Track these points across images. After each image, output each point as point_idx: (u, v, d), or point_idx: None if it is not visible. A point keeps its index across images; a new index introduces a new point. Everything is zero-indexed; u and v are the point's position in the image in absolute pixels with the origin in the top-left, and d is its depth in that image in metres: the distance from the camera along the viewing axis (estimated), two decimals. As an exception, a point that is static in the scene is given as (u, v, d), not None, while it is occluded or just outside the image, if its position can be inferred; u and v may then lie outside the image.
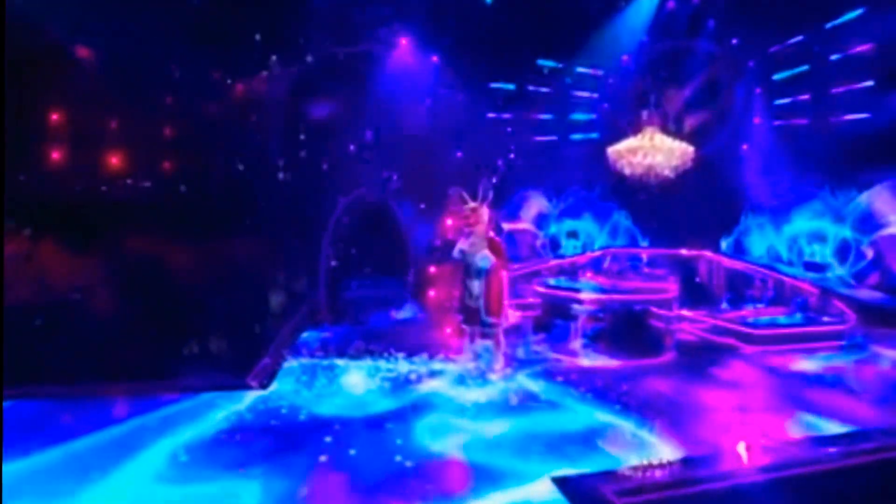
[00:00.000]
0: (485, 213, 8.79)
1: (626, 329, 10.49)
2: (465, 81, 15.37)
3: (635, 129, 13.18)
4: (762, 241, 14.07)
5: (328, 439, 6.20)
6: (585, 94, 15.91)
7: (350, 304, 12.05)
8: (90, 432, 6.11)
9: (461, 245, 8.81)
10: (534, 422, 6.74)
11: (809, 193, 13.01)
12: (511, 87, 16.06)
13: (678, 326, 10.76)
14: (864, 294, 11.50)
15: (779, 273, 12.10)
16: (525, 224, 15.99)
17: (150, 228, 9.92)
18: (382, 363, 8.86)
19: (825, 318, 10.53)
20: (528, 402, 7.46)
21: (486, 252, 8.68)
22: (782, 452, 5.66)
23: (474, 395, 7.69)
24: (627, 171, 12.63)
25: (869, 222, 12.25)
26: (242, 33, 13.12)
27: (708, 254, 13.22)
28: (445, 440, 6.17)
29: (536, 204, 16.36)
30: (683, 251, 14.03)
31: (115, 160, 11.23)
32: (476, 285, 8.67)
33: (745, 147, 13.80)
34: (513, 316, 8.99)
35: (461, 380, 8.25)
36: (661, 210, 14.39)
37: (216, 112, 13.12)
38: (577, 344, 10.24)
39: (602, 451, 5.86)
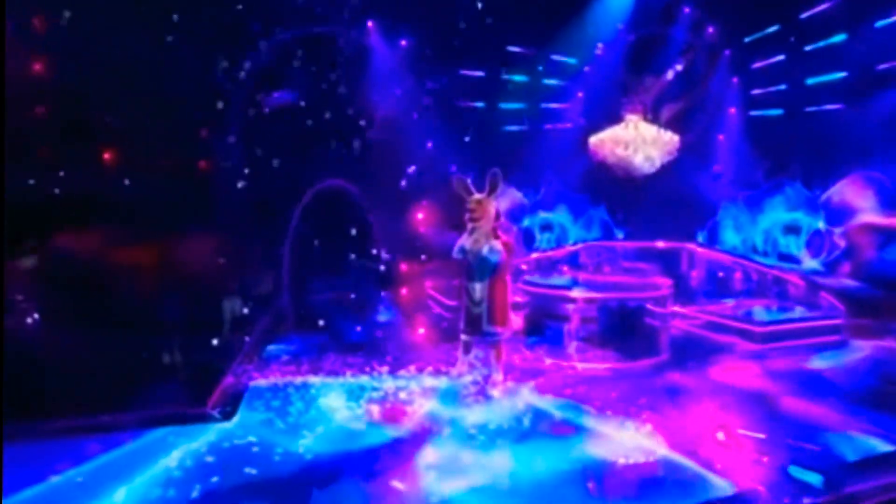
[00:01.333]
0: (492, 206, 7.33)
1: (622, 329, 9.25)
2: (434, 68, 13.84)
3: (616, 118, 12.00)
4: (737, 232, 13.11)
5: (314, 489, 4.61)
6: (559, 82, 14.60)
7: (318, 309, 10.37)
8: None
9: (463, 242, 7.30)
10: (563, 453, 5.37)
11: (784, 184, 12.08)
12: (481, 74, 14.61)
13: (674, 324, 9.57)
14: (846, 284, 10.58)
15: (763, 265, 11.10)
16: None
17: (85, 226, 7.99)
18: (365, 380, 7.29)
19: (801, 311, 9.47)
20: (544, 423, 6.10)
21: (495, 242, 7.18)
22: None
23: (478, 416, 6.28)
24: (611, 160, 11.43)
25: (841, 213, 11.40)
26: (192, 14, 11.17)
27: (689, 245, 12.14)
28: (463, 484, 4.68)
29: (509, 196, 14.92)
30: (660, 243, 12.93)
31: (42, 151, 9.10)
32: (478, 289, 7.21)
33: (720, 137, 12.79)
34: (516, 321, 7.54)
35: (459, 398, 6.79)
36: (636, 201, 13.25)
37: (162, 96, 11.17)
38: (572, 347, 8.92)
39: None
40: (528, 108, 14.94)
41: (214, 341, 7.90)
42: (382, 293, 11.92)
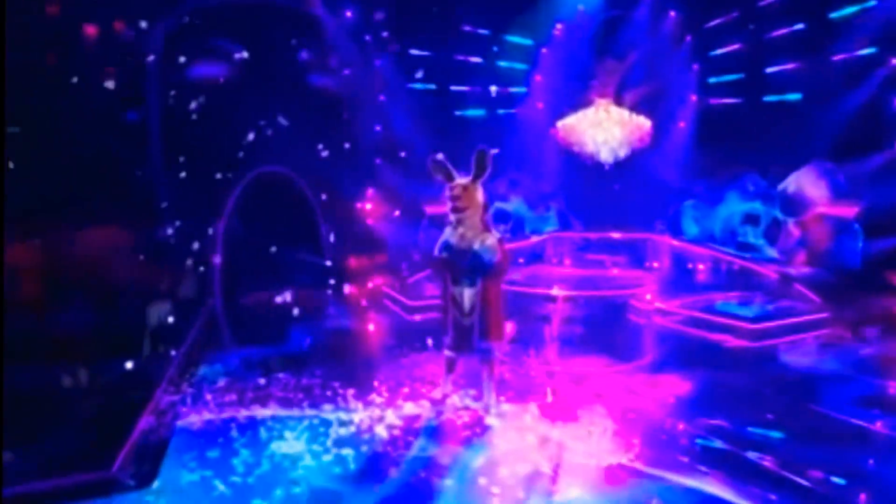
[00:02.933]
0: (480, 193, 5.65)
1: (608, 328, 7.92)
2: (384, 46, 12.02)
3: (577, 101, 10.68)
4: (695, 223, 12.16)
5: None
6: (515, 65, 13.11)
7: (259, 314, 8.35)
8: None
9: (447, 238, 5.60)
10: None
11: (742, 174, 11.21)
12: (432, 54, 12.89)
13: (658, 321, 8.34)
14: (815, 274, 9.78)
15: (734, 257, 10.13)
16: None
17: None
18: (329, 410, 5.48)
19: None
20: (571, 465, 4.51)
21: (490, 238, 5.51)
22: None
23: (488, 457, 4.63)
24: (581, 145, 10.07)
25: (797, 203, 10.65)
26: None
27: (654, 237, 11.04)
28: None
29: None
30: (615, 234, 11.77)
31: None
32: (468, 295, 5.54)
33: (681, 125, 11.76)
34: (510, 329, 5.93)
35: (455, 431, 5.13)
36: (596, 190, 12.00)
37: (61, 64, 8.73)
38: (554, 350, 7.48)
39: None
40: (482, 90, 13.35)
41: (127, 365, 5.77)
42: (331, 292, 10.01)
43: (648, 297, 8.40)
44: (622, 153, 10.07)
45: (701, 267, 10.87)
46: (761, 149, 10.91)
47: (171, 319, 7.04)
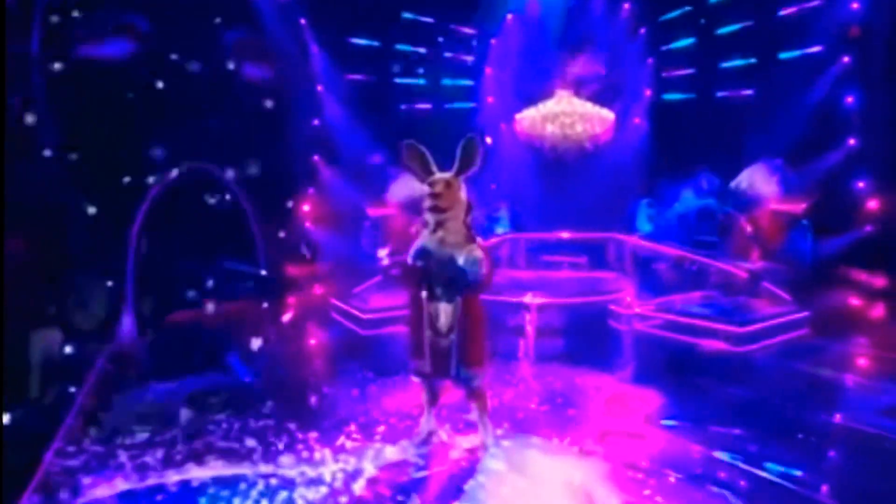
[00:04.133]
0: (463, 191, 4.49)
1: (592, 338, 7.07)
2: (319, 33, 10.74)
3: (544, 93, 9.89)
4: (650, 221, 11.69)
5: None
6: (462, 56, 12.14)
7: (183, 339, 6.82)
8: None
9: (424, 243, 4.43)
10: None
11: (696, 171, 10.85)
12: (375, 43, 11.71)
13: (638, 326, 7.61)
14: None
15: (702, 256, 9.67)
16: (393, 208, 11.74)
17: None
18: (289, 464, 4.18)
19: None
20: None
21: (477, 250, 4.42)
22: None
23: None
24: (543, 139, 9.24)
25: (748, 199, 10.42)
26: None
27: (617, 236, 10.43)
28: None
29: (406, 184, 12.09)
30: (565, 234, 11.07)
31: None
32: (445, 312, 4.40)
33: (636, 121, 11.26)
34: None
35: (455, 482, 4.00)
36: (551, 188, 11.25)
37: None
38: (530, 365, 6.54)
39: None
40: (428, 83, 12.29)
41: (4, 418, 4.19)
42: (270, 306, 8.57)
43: (628, 300, 7.65)
44: (586, 147, 9.32)
45: (663, 267, 10.33)
46: (715, 145, 10.56)
47: (66, 350, 5.40)
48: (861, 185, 8.74)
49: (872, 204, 8.53)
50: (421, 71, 12.19)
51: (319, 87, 10.86)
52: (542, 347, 6.94)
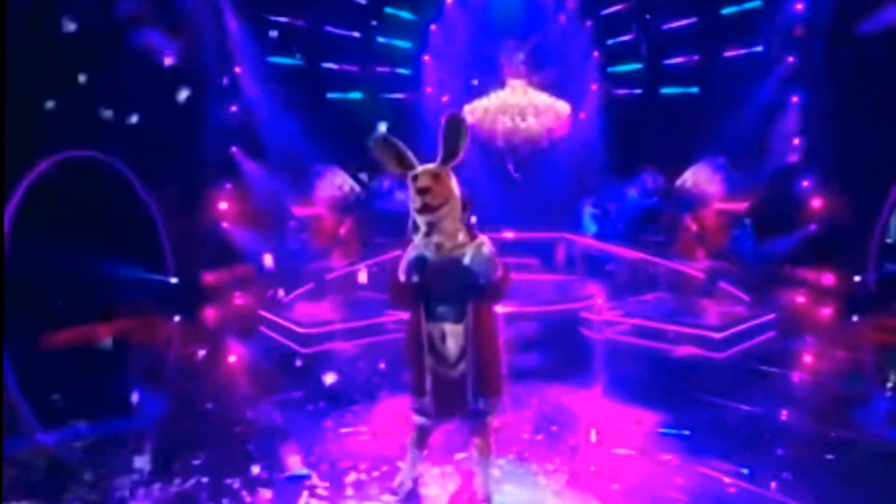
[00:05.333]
0: (455, 183, 3.61)
1: (563, 349, 6.46)
2: (238, 8, 9.47)
3: (495, 83, 9.25)
4: (595, 221, 11.43)
5: None
6: (399, 43, 11.25)
7: (70, 368, 5.37)
8: None
9: (419, 251, 3.54)
10: None
11: (642, 169, 10.73)
12: (301, 23, 10.55)
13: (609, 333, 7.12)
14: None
15: (654, 257, 9.45)
16: (321, 207, 10.67)
17: None
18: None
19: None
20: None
21: (485, 246, 3.56)
22: None
23: None
24: (494, 133, 8.58)
25: (693, 198, 10.43)
26: None
27: (567, 236, 10.01)
28: None
29: (335, 180, 11.05)
30: (509, 234, 10.49)
31: None
32: (453, 334, 3.54)
33: (582, 116, 10.93)
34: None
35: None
36: (497, 185, 10.65)
37: None
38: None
39: None
40: (361, 70, 11.26)
41: None
42: (181, 321, 7.23)
43: (599, 301, 7.14)
44: (542, 142, 8.76)
45: (611, 268, 10.02)
46: (660, 143, 10.43)
47: None
48: (805, 184, 8.79)
49: (816, 203, 8.60)
50: (352, 57, 11.13)
51: (237, 69, 9.52)
52: (513, 363, 6.19)
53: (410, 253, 3.45)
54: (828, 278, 8.36)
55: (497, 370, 3.64)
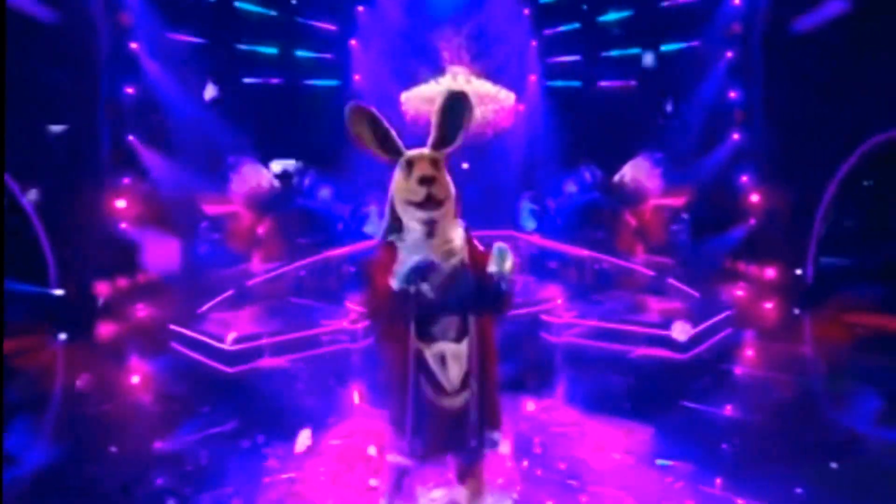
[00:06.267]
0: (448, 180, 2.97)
1: (527, 356, 6.06)
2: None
3: (433, 70, 8.73)
4: (533, 217, 11.22)
5: None
6: (321, 24, 10.45)
7: None
8: None
9: (422, 255, 2.80)
10: None
11: (580, 164, 10.67)
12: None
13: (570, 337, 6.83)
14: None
15: (601, 255, 9.33)
16: (237, 204, 9.72)
17: None
18: None
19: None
20: None
21: (506, 251, 2.88)
22: None
23: None
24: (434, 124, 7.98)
25: (631, 193, 10.54)
26: None
27: (511, 233, 9.69)
28: None
29: (252, 174, 10.13)
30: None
31: None
32: (456, 358, 2.89)
33: (521, 108, 10.66)
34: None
35: None
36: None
37: None
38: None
39: None
40: (280, 54, 10.35)
41: None
42: (68, 339, 6.09)
43: (559, 303, 6.81)
44: (487, 133, 8.32)
45: (554, 266, 9.79)
46: (599, 137, 10.36)
47: None
48: (744, 178, 8.97)
49: (755, 197, 8.79)
50: (271, 38, 10.19)
51: (134, 45, 8.34)
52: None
53: (413, 257, 2.78)
54: (769, 272, 8.55)
55: (498, 394, 3.08)
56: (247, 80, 10.23)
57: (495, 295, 2.81)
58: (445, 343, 2.87)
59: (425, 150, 2.91)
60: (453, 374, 2.88)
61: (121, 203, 8.03)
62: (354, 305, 6.92)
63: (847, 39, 7.23)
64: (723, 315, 7.03)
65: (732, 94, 9.12)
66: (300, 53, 10.54)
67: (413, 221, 2.88)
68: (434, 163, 2.87)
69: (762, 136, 8.65)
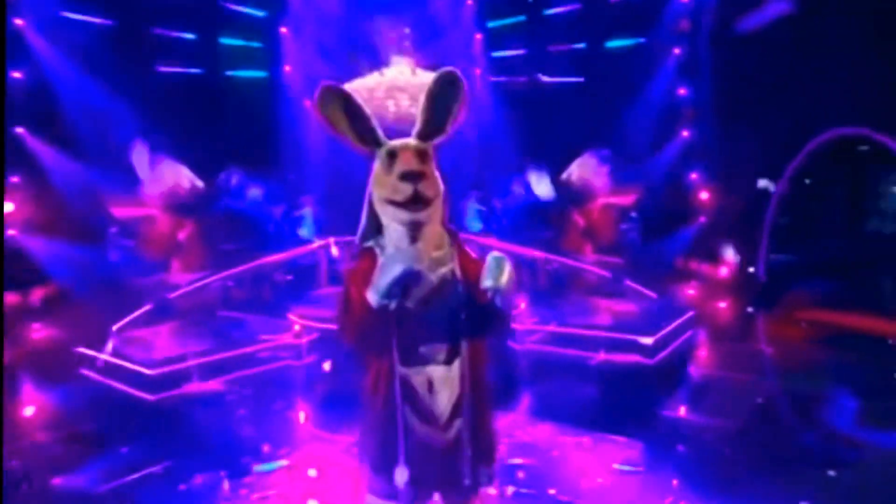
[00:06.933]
0: (437, 176, 2.46)
1: (495, 367, 5.65)
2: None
3: (375, 62, 8.31)
4: (480, 218, 11.01)
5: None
6: (248, 10, 9.77)
7: None
8: None
9: (406, 262, 2.29)
10: None
11: (528, 163, 10.60)
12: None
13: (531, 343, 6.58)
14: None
15: (554, 256, 9.19)
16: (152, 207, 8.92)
17: None
18: None
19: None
20: None
21: (504, 261, 2.35)
22: None
23: None
24: (381, 119, 7.53)
25: (579, 191, 10.59)
26: None
27: (461, 235, 9.30)
28: None
29: (169, 173, 9.36)
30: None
31: None
32: (446, 384, 2.40)
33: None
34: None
35: None
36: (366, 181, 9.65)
37: None
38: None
39: None
40: (200, 41, 9.60)
41: None
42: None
43: (522, 307, 6.53)
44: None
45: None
46: (546, 134, 10.26)
47: None
48: (694, 176, 9.09)
49: (705, 196, 8.92)
50: (189, 21, 9.41)
51: (19, 22, 7.40)
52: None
53: (396, 266, 2.32)
54: (722, 271, 8.68)
55: (493, 424, 2.68)
56: (162, 69, 9.37)
57: (490, 314, 2.41)
58: (433, 367, 2.45)
59: (411, 140, 2.47)
60: (443, 402, 2.45)
61: (8, 206, 7.06)
62: (297, 318, 6.34)
63: (794, 38, 7.44)
64: (686, 317, 6.97)
65: (681, 91, 9.23)
66: (224, 41, 9.79)
67: (395, 223, 2.43)
68: (421, 155, 2.41)
69: (712, 134, 8.78)
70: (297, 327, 6.19)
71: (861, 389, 5.01)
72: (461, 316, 2.41)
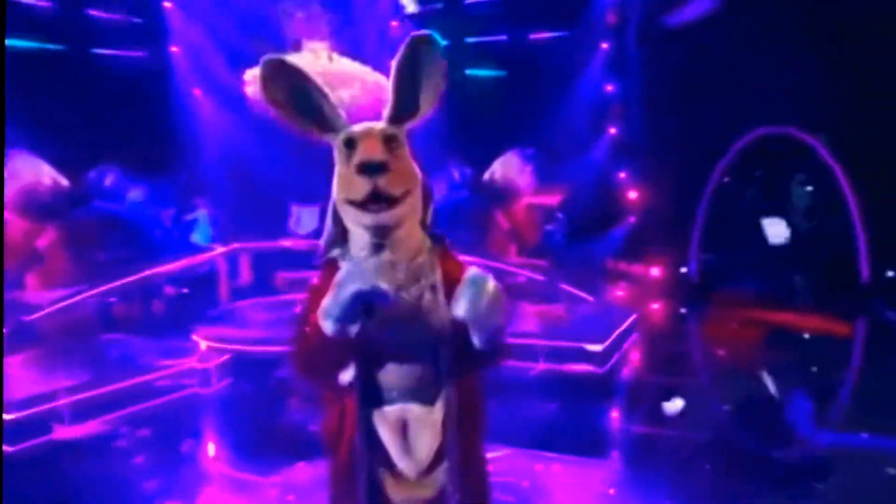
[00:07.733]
0: (417, 170, 1.95)
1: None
2: None
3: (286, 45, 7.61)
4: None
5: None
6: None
7: None
8: None
9: (370, 276, 1.73)
10: None
11: (446, 160, 10.31)
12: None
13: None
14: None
15: (478, 259, 8.83)
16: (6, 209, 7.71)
17: None
18: None
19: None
20: None
21: (486, 281, 1.83)
22: None
23: None
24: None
25: (502, 191, 10.46)
26: None
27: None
28: None
29: (26, 171, 8.20)
30: (287, 242, 9.06)
31: None
32: (425, 424, 1.92)
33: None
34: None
35: None
36: (268, 181, 8.92)
37: None
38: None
39: None
40: (61, 11, 8.35)
41: None
42: None
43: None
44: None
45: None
46: (467, 131, 9.95)
47: None
48: (622, 175, 9.12)
49: (633, 195, 8.97)
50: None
51: None
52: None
53: (344, 282, 1.75)
54: (654, 271, 8.74)
55: (483, 472, 2.16)
56: (12, 43, 7.95)
57: (474, 349, 1.89)
58: (409, 405, 1.92)
59: (376, 124, 1.91)
60: (421, 449, 1.94)
61: None
62: (203, 338, 5.45)
63: (723, 35, 7.62)
64: (630, 320, 6.85)
65: (609, 88, 9.23)
66: (92, 12, 8.53)
67: (358, 228, 1.89)
68: (388, 141, 1.87)
69: (640, 131, 8.83)
70: (203, 347, 5.32)
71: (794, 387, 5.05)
72: (444, 342, 1.88)
